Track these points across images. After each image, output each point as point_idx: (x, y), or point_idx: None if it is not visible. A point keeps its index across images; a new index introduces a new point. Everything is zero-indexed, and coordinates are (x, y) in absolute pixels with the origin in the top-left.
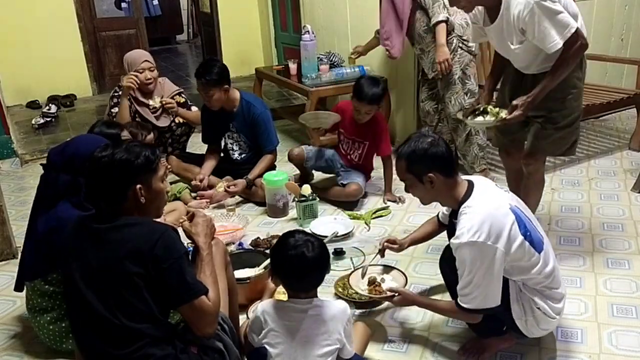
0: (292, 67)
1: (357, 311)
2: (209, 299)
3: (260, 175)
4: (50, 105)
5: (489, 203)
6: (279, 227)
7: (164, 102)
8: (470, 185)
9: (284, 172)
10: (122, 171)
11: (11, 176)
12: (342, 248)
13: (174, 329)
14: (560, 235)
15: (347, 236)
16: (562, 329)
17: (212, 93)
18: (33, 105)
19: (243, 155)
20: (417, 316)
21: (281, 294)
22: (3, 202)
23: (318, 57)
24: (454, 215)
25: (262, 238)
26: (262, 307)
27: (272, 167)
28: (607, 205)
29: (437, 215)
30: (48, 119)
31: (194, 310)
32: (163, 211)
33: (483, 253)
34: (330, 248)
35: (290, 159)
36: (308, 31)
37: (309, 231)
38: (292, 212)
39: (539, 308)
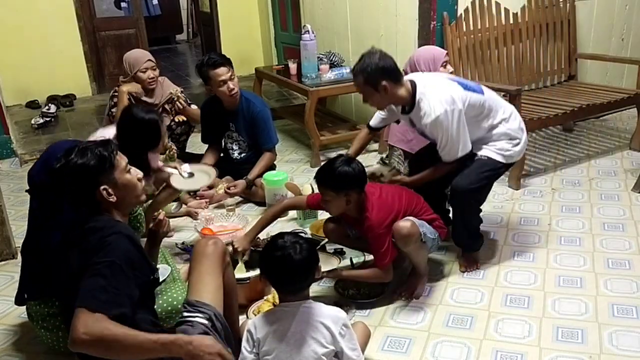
0: (292, 66)
1: (357, 311)
2: (93, 313)
3: (260, 175)
4: (49, 105)
5: (433, 83)
6: (279, 227)
7: (173, 94)
8: (412, 81)
9: (283, 172)
10: (80, 178)
11: (11, 176)
12: (342, 248)
13: (161, 329)
14: (560, 235)
15: None
16: (562, 329)
17: (234, 75)
18: (32, 105)
19: (243, 155)
20: (417, 316)
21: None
22: (3, 202)
23: (318, 57)
24: (407, 109)
25: (262, 238)
26: (252, 320)
27: (272, 166)
28: (607, 205)
29: (367, 126)
30: (47, 119)
31: (74, 316)
32: (143, 198)
33: (450, 116)
34: (331, 248)
35: (328, 236)
36: (308, 31)
37: (308, 231)
38: (292, 212)
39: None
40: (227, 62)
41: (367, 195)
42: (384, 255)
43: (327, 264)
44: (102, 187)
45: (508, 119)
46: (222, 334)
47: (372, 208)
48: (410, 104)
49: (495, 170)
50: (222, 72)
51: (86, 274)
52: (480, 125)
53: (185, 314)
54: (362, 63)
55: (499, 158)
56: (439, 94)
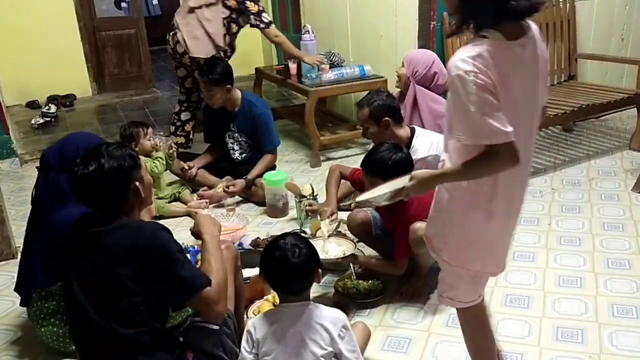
0: (292, 67)
1: (357, 311)
2: (211, 286)
3: (260, 175)
4: (49, 105)
5: (432, 133)
6: (279, 227)
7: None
8: (413, 127)
9: (284, 172)
10: (118, 178)
11: (11, 176)
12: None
13: (171, 334)
14: (560, 235)
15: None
16: (562, 329)
17: (214, 92)
18: (33, 105)
19: (243, 155)
20: (417, 316)
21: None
22: (3, 202)
23: None
24: None
25: (262, 238)
26: (251, 320)
27: (272, 167)
28: (607, 205)
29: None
30: (48, 119)
31: (199, 303)
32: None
33: (435, 161)
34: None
35: (352, 227)
36: (308, 31)
37: (308, 231)
38: (292, 212)
39: None
40: (213, 80)
41: None
42: (406, 251)
43: (343, 250)
44: (136, 183)
45: None
46: (231, 338)
47: (412, 200)
48: (406, 146)
49: None
50: (203, 87)
51: (166, 270)
52: None
53: (196, 318)
54: (369, 98)
55: None
56: (435, 141)
